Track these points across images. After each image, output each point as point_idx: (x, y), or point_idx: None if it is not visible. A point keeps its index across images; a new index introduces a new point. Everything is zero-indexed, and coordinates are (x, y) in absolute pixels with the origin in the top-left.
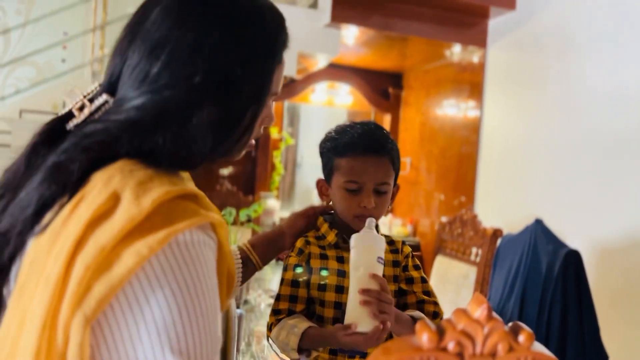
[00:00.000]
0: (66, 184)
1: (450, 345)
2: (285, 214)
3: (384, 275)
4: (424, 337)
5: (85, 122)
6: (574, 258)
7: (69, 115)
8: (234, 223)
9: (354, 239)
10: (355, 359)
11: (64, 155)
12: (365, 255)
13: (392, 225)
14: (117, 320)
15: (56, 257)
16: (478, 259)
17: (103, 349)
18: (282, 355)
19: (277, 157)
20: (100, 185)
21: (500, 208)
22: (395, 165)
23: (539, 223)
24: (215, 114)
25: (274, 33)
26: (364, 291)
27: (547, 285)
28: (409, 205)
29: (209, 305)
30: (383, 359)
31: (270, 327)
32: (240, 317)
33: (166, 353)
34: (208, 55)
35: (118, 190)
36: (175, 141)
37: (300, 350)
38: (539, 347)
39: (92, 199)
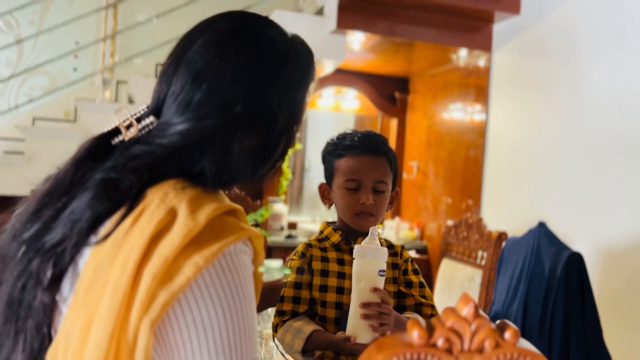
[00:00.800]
0: (120, 200)
1: (440, 342)
2: (293, 218)
3: (385, 285)
4: (414, 334)
5: (130, 140)
6: (576, 260)
7: (115, 131)
8: None
9: (357, 250)
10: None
11: (114, 174)
12: (368, 269)
13: (399, 229)
14: (171, 323)
15: (123, 266)
16: (483, 262)
17: (159, 350)
18: (288, 356)
19: (285, 162)
20: (157, 200)
21: (507, 211)
22: (393, 168)
23: (542, 226)
24: (254, 141)
25: (305, 67)
26: (365, 305)
27: (550, 288)
28: (417, 209)
29: (250, 309)
30: (376, 355)
31: (275, 328)
32: None
33: (211, 351)
34: (247, 87)
35: (175, 206)
36: (219, 166)
37: (304, 351)
38: (524, 344)
39: (152, 213)
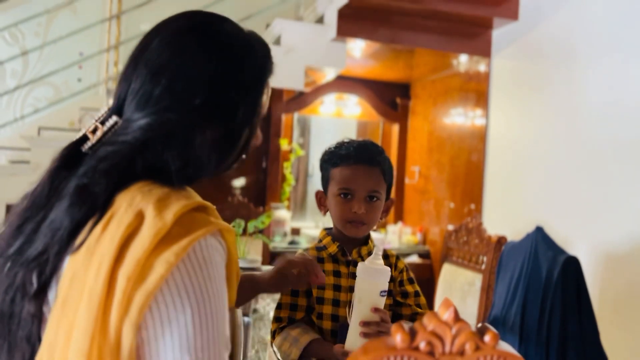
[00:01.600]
0: (94, 205)
1: (422, 345)
2: (297, 224)
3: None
4: (397, 337)
5: (99, 143)
6: (572, 264)
7: (84, 138)
8: (243, 234)
9: (360, 269)
10: None
11: (86, 179)
12: (370, 288)
13: (402, 233)
14: (146, 321)
15: (97, 272)
16: (484, 267)
17: (140, 348)
18: None
19: (288, 168)
20: (125, 205)
21: (509, 215)
22: (387, 177)
23: (539, 230)
24: (216, 134)
25: (262, 61)
26: (366, 324)
27: (547, 291)
28: (419, 214)
29: (219, 303)
30: (361, 358)
31: (273, 335)
32: (247, 326)
33: (181, 347)
34: (206, 81)
35: (142, 209)
36: (183, 159)
37: (299, 358)
38: (504, 346)
39: (120, 218)
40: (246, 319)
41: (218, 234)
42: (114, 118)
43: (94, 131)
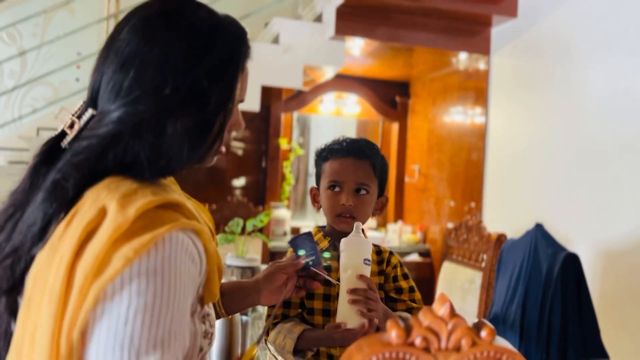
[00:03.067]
0: (64, 200)
1: (417, 341)
2: (296, 223)
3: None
4: (393, 333)
5: (77, 137)
6: (572, 261)
7: (63, 134)
8: (242, 233)
9: (343, 243)
10: None
11: (60, 174)
12: (353, 258)
13: (402, 232)
14: (94, 316)
15: (57, 270)
16: (484, 264)
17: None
18: (280, 358)
19: (287, 168)
20: (90, 201)
21: (509, 213)
22: (377, 172)
23: (539, 227)
24: (188, 123)
25: (235, 44)
26: (352, 291)
27: (547, 288)
28: (419, 213)
29: (179, 303)
30: (356, 355)
31: (267, 332)
32: (245, 324)
33: (117, 344)
34: (175, 68)
35: (105, 205)
36: (154, 151)
37: (295, 351)
38: (501, 342)
39: (83, 214)
40: (244, 317)
41: (189, 231)
42: (90, 111)
43: (72, 126)
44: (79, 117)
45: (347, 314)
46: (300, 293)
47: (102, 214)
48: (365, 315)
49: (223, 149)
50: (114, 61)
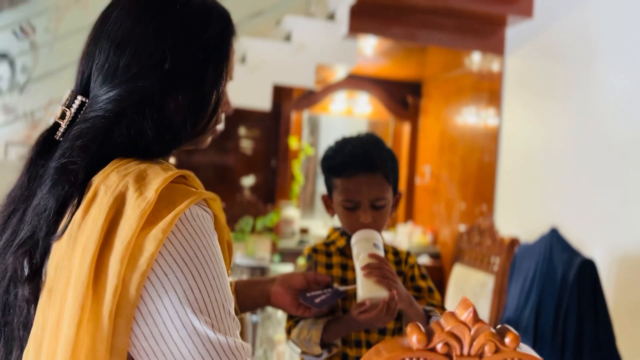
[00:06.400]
0: (74, 183)
1: (439, 346)
2: (306, 223)
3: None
4: (413, 338)
5: (70, 127)
6: (588, 267)
7: (56, 126)
8: (252, 232)
9: (353, 237)
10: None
11: (64, 159)
12: (364, 245)
13: (412, 234)
14: (144, 300)
15: (82, 260)
16: (496, 268)
17: (135, 326)
18: (306, 355)
19: (297, 167)
20: (104, 188)
21: (521, 216)
22: (390, 178)
23: (554, 232)
24: (188, 97)
25: (225, 22)
26: (366, 266)
27: (562, 294)
28: (430, 214)
29: (217, 268)
30: (375, 359)
31: (289, 331)
32: (255, 325)
33: (189, 314)
34: (172, 45)
35: (122, 190)
36: (159, 125)
37: (322, 345)
38: (525, 349)
39: (100, 202)
40: (254, 318)
41: (203, 203)
42: (80, 98)
43: (63, 117)
44: (69, 107)
45: (365, 290)
46: (307, 312)
47: (119, 200)
48: (382, 283)
49: (218, 128)
50: (106, 45)
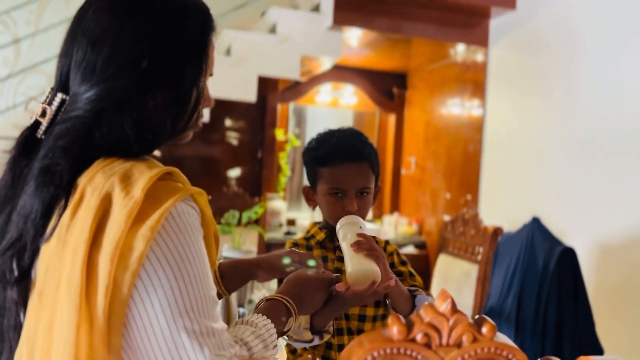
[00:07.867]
0: (59, 185)
1: (419, 337)
2: (292, 214)
3: None
4: (394, 329)
5: (52, 124)
6: (568, 255)
7: (37, 123)
8: (238, 224)
9: (339, 223)
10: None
11: (47, 160)
12: (351, 227)
13: (398, 224)
14: (133, 298)
15: (72, 262)
16: (480, 258)
17: (126, 323)
18: (296, 343)
19: (283, 159)
20: (90, 189)
21: (505, 206)
22: (375, 169)
23: (536, 221)
24: (167, 96)
25: (204, 18)
26: (355, 242)
27: (543, 282)
28: (415, 205)
29: (201, 267)
30: (357, 350)
31: None
32: (242, 316)
33: (173, 315)
34: (150, 43)
35: (108, 191)
36: (139, 125)
37: (313, 331)
38: (501, 338)
39: (87, 204)
40: (241, 309)
41: (189, 199)
42: (60, 96)
43: (44, 114)
44: (49, 104)
45: (355, 263)
46: None
47: (106, 200)
48: (370, 256)
49: (200, 123)
50: (83, 42)
